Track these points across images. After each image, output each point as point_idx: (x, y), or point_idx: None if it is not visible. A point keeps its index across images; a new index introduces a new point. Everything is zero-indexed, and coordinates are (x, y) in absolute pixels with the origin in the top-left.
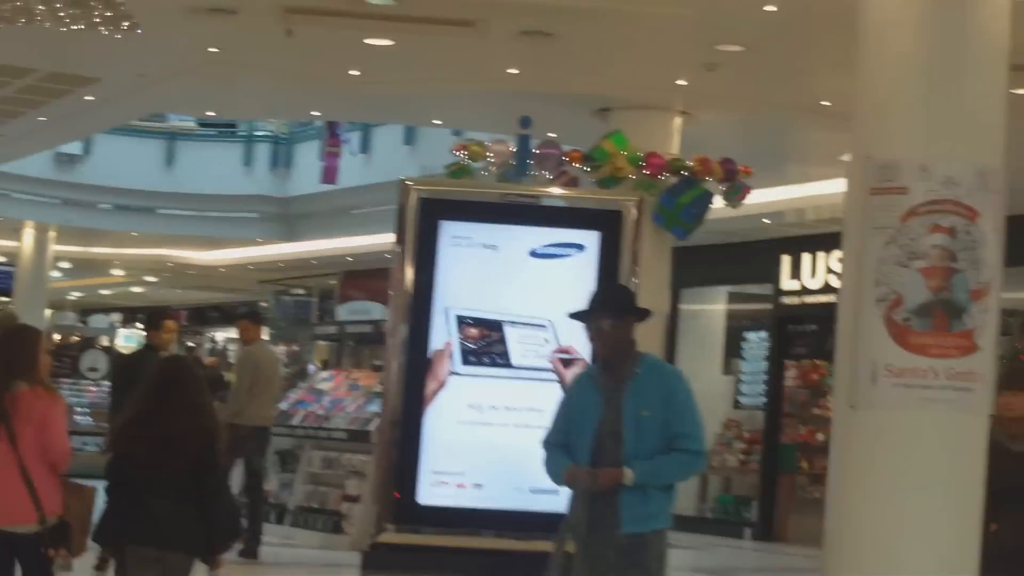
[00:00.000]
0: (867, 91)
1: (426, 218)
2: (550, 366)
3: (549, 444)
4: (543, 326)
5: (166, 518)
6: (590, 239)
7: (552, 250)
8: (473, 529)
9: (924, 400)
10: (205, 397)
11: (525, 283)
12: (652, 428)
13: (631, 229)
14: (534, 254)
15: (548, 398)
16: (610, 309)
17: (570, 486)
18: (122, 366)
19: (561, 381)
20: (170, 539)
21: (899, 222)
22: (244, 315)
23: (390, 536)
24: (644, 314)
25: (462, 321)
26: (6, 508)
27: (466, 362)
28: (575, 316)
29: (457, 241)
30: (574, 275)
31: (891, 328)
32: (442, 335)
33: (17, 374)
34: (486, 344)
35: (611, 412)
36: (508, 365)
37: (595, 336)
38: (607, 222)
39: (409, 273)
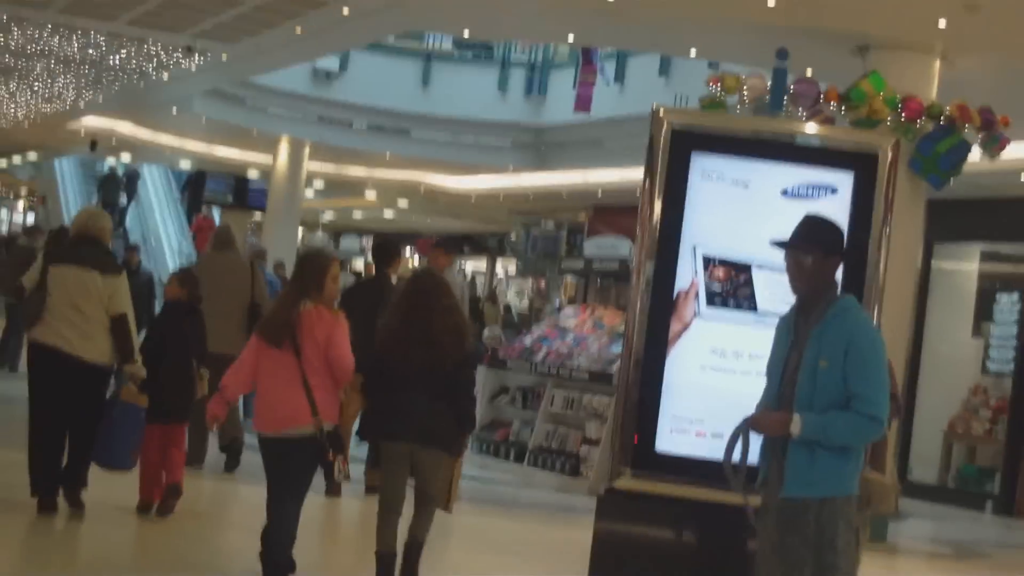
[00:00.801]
0: None
1: (677, 150)
2: None
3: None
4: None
5: (422, 415)
6: (843, 181)
7: (804, 190)
8: (710, 480)
9: None
10: (455, 300)
11: (776, 224)
12: (830, 381)
13: (886, 172)
14: (786, 193)
15: None
16: (814, 244)
17: (743, 432)
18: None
19: None
20: (426, 436)
21: None
22: (438, 244)
23: (626, 482)
24: (850, 254)
25: (709, 261)
26: (288, 413)
27: (711, 303)
28: (777, 244)
29: (708, 175)
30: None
31: None
32: (688, 274)
33: (305, 294)
34: (733, 286)
35: (795, 358)
36: (754, 309)
37: (793, 272)
38: (862, 164)
39: (657, 207)
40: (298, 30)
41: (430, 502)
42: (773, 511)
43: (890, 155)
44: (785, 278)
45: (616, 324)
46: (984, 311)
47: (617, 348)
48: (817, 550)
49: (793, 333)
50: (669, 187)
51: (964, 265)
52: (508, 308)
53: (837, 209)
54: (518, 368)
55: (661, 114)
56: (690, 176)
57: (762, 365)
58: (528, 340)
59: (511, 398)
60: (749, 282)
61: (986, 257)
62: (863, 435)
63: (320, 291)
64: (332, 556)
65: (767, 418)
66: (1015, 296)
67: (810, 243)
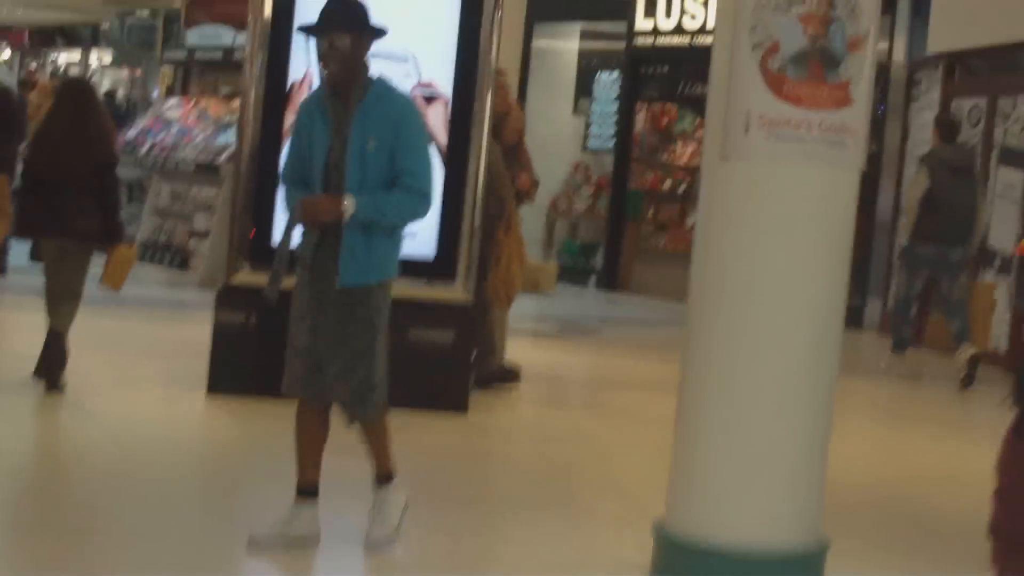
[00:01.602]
0: None
1: None
2: None
3: (286, 178)
4: (405, 59)
5: (71, 211)
6: None
7: None
8: None
9: (797, 153)
10: (102, 107)
11: (385, 13)
12: (378, 161)
13: None
14: None
15: None
16: (344, 24)
17: (296, 221)
18: None
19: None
20: (78, 232)
21: None
22: None
23: (244, 276)
24: (381, 33)
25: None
26: None
27: None
28: (305, 30)
29: None
30: (437, 6)
31: (766, 76)
32: (303, 65)
33: None
34: None
35: (339, 142)
36: None
37: (326, 55)
38: None
39: None
40: None
41: (76, 295)
42: (330, 301)
43: None
44: (401, 66)
45: (222, 115)
46: (584, 89)
47: (224, 139)
48: (375, 332)
49: (331, 119)
50: None
51: (564, 44)
52: (111, 96)
53: None
54: (123, 162)
55: None
56: None
57: None
58: (132, 133)
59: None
60: None
61: (585, 36)
62: (415, 212)
63: None
64: None
65: (318, 202)
66: (615, 74)
67: (343, 25)
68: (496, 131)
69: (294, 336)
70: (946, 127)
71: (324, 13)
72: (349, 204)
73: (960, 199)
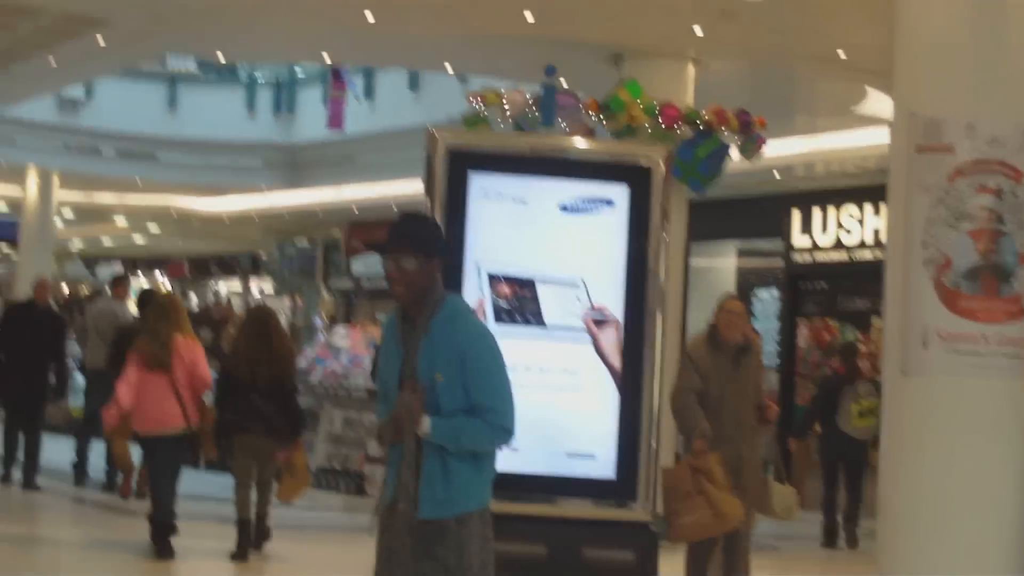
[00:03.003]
0: (908, 43)
1: (455, 170)
2: (583, 326)
3: (378, 397)
4: (575, 284)
5: (268, 416)
6: (619, 193)
7: (582, 204)
8: (511, 494)
9: (975, 366)
10: (283, 328)
11: (556, 239)
12: (450, 393)
13: (660, 183)
14: (564, 209)
15: (582, 359)
16: (411, 244)
17: (381, 443)
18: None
19: (595, 341)
20: (270, 431)
21: (946, 182)
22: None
23: None
24: (449, 253)
25: (494, 278)
26: (164, 417)
27: (498, 320)
28: (372, 247)
29: (487, 194)
30: (604, 231)
31: (940, 291)
32: (474, 293)
33: (177, 328)
34: (519, 302)
35: (409, 370)
36: (541, 324)
37: (391, 276)
38: (635, 176)
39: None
40: (52, 62)
41: (268, 483)
42: (406, 535)
43: (663, 166)
44: (571, 291)
45: None
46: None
47: None
48: (456, 571)
49: (401, 344)
50: (450, 207)
51: (721, 262)
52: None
53: (614, 221)
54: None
55: (436, 134)
56: (469, 195)
57: (553, 378)
58: (302, 362)
59: None
60: (535, 297)
61: (743, 254)
62: (494, 442)
63: (186, 324)
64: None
65: (397, 416)
66: (774, 291)
67: (411, 245)
68: (739, 362)
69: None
70: None
71: (391, 229)
72: (425, 424)
73: None
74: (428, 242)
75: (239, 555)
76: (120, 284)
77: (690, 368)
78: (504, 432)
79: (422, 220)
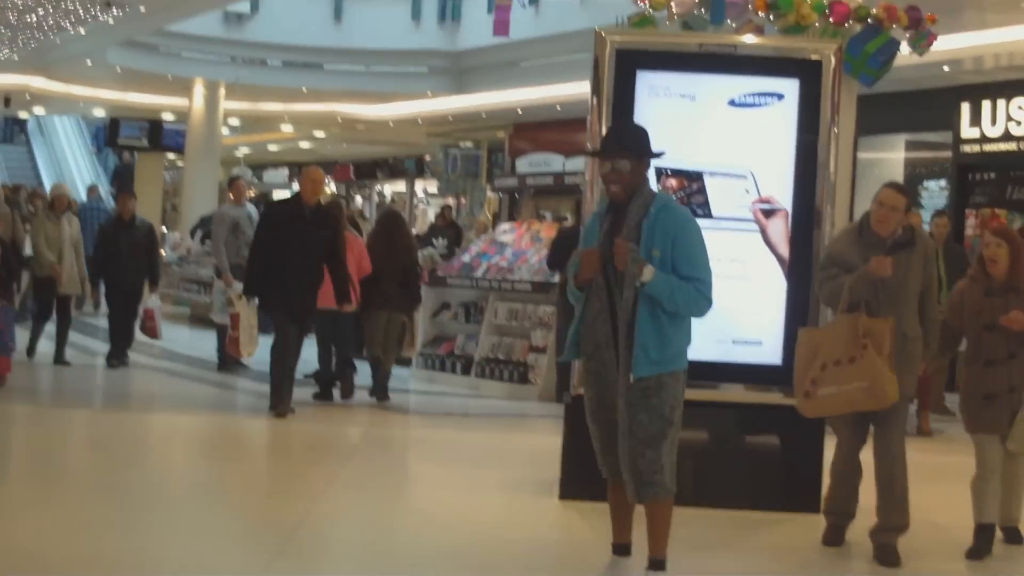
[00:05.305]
0: None
1: (622, 69)
2: (751, 216)
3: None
4: (743, 176)
5: (396, 294)
6: (789, 88)
7: (751, 99)
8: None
9: None
10: (408, 227)
11: (724, 133)
12: (663, 269)
13: (831, 78)
14: (733, 103)
15: (750, 249)
16: (626, 149)
17: (580, 282)
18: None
19: (763, 231)
20: (396, 305)
21: None
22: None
23: None
24: (658, 155)
25: (661, 172)
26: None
27: None
28: (591, 154)
29: (655, 91)
30: (774, 124)
31: None
32: None
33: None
34: (687, 195)
35: (606, 244)
36: (709, 216)
37: (608, 176)
38: (806, 71)
39: (606, 125)
40: None
41: (396, 346)
42: (626, 390)
43: (833, 61)
44: (739, 183)
45: (552, 236)
46: (911, 199)
47: None
48: (667, 423)
49: (606, 234)
50: (617, 105)
51: (890, 155)
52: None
53: (784, 114)
54: (458, 284)
55: (604, 34)
56: (637, 93)
57: (722, 268)
58: (467, 257)
59: (453, 314)
60: (703, 189)
61: (911, 146)
62: (699, 308)
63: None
64: None
65: (619, 248)
66: (942, 182)
67: (628, 149)
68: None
69: (590, 425)
70: None
71: (608, 136)
72: (647, 271)
73: None
74: (639, 146)
75: (380, 394)
76: (233, 187)
77: (827, 264)
78: (706, 301)
79: (633, 127)
